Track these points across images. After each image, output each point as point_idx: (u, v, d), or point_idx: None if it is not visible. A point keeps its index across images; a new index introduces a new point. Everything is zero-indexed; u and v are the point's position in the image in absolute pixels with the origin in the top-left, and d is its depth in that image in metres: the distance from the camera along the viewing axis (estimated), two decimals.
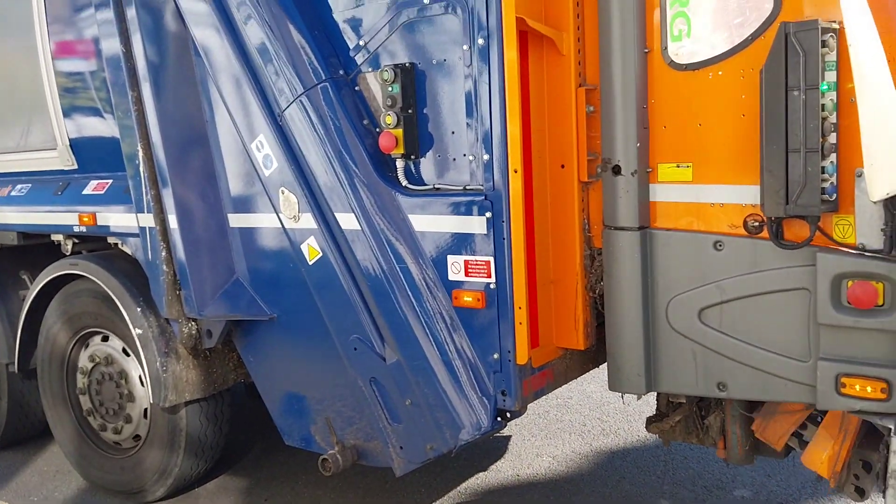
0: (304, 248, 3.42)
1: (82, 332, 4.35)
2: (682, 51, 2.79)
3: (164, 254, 3.76)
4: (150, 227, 3.80)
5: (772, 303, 2.72)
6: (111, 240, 4.21)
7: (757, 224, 2.71)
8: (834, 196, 2.53)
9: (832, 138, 2.49)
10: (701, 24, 2.74)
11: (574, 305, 3.06)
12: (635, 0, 2.80)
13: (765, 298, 2.73)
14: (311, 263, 3.41)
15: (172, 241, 3.73)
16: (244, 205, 3.69)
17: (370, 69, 3.24)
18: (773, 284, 2.70)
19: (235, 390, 4.36)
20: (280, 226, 3.49)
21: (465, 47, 2.94)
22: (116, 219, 4.06)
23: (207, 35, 3.53)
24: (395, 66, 3.10)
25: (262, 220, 3.64)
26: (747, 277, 2.75)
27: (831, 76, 2.47)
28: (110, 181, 4.16)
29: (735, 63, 2.69)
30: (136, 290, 3.98)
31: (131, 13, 3.67)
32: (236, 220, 3.75)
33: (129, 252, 4.08)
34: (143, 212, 3.81)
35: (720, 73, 2.72)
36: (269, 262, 3.65)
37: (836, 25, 2.45)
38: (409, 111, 3.13)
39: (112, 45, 3.78)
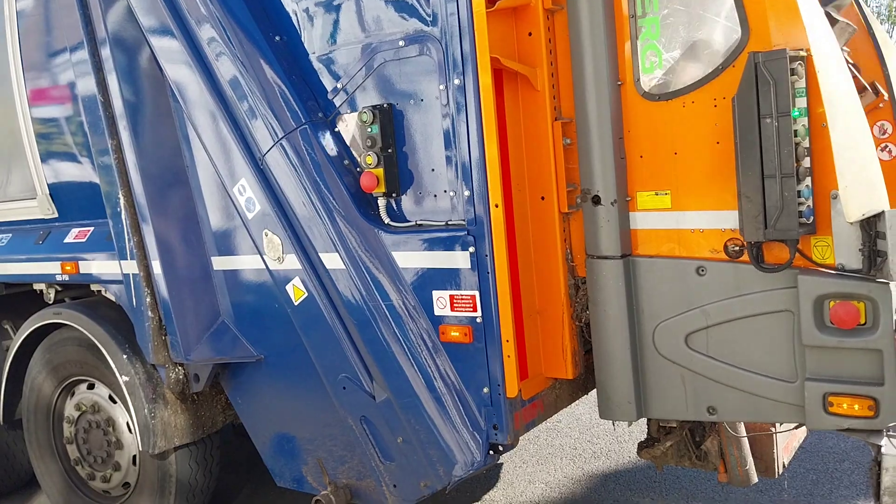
0: (289, 288, 3.42)
1: (68, 381, 4.30)
2: (655, 82, 2.84)
3: (148, 299, 3.74)
4: (133, 274, 3.78)
5: (757, 325, 2.75)
6: (94, 287, 4.18)
7: (737, 248, 2.75)
8: (811, 218, 2.57)
9: (806, 162, 2.55)
10: (671, 55, 2.80)
11: (561, 335, 3.08)
12: (606, 34, 2.86)
13: (749, 321, 2.76)
14: (296, 304, 3.40)
15: (157, 287, 3.71)
16: (227, 247, 3.69)
17: (349, 110, 3.27)
18: (757, 307, 2.74)
19: (224, 431, 4.32)
20: (264, 267, 3.49)
21: (441, 87, 2.97)
22: (99, 266, 4.04)
23: (183, 77, 3.53)
24: (374, 107, 3.13)
25: (246, 262, 3.63)
26: (731, 301, 2.78)
27: (801, 102, 2.53)
28: (91, 228, 4.13)
29: (707, 92, 2.74)
30: (121, 336, 3.95)
31: (106, 53, 3.68)
32: (220, 263, 3.74)
33: (112, 299, 4.05)
34: (126, 258, 3.79)
35: (693, 102, 2.77)
36: (255, 304, 3.64)
37: (803, 53, 2.51)
38: (389, 150, 3.15)
39: (88, 86, 3.77)
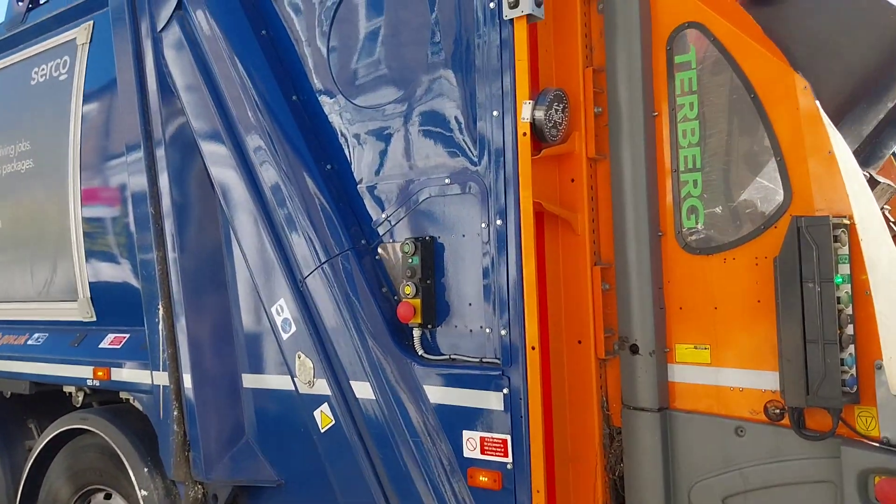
0: (317, 414, 3.39)
1: (85, 489, 4.25)
2: (696, 235, 2.86)
3: (175, 413, 3.73)
4: (164, 386, 3.79)
5: (797, 494, 2.63)
6: (123, 394, 4.19)
7: (778, 411, 2.67)
8: (854, 388, 2.50)
9: (849, 329, 2.50)
10: (713, 211, 2.83)
11: (593, 487, 2.97)
12: (647, 185, 2.91)
13: (790, 489, 2.64)
14: (322, 431, 3.36)
15: (186, 401, 3.71)
16: (259, 365, 3.70)
17: (391, 240, 3.34)
18: (798, 475, 2.63)
19: None
20: (294, 389, 3.47)
21: (483, 224, 3.03)
22: (131, 374, 4.06)
23: (230, 184, 3.64)
24: (416, 238, 3.19)
25: (275, 382, 3.63)
26: (771, 466, 2.68)
27: (844, 269, 2.52)
28: (127, 335, 4.19)
29: (748, 250, 2.75)
30: (144, 449, 3.92)
31: (160, 153, 3.82)
32: (250, 381, 3.74)
33: (140, 408, 4.05)
34: (159, 369, 3.82)
35: (734, 258, 2.78)
36: (281, 426, 3.61)
37: (846, 220, 2.52)
38: (428, 282, 3.18)
39: (139, 184, 3.90)
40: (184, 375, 3.71)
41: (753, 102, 2.74)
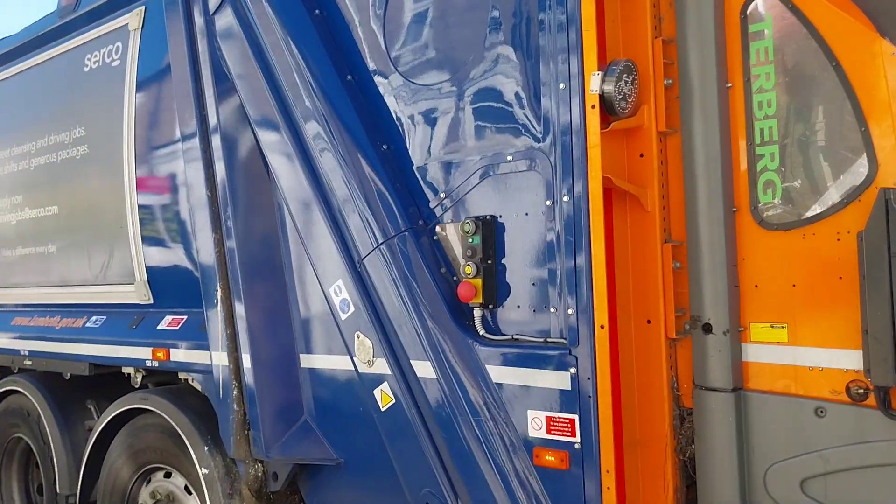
0: (377, 393, 3.37)
1: (145, 468, 4.30)
2: (773, 211, 2.76)
3: (235, 393, 3.74)
4: (223, 366, 3.80)
5: (882, 477, 2.54)
6: (182, 375, 4.23)
7: (861, 391, 2.57)
8: None
9: None
10: (791, 185, 2.72)
11: (663, 469, 2.90)
12: (721, 160, 2.81)
13: (874, 472, 2.55)
14: (383, 410, 3.34)
15: (244, 381, 3.72)
16: (317, 346, 3.69)
17: (450, 219, 3.28)
18: (883, 457, 2.53)
19: None
20: (353, 369, 3.46)
21: (548, 202, 2.96)
22: (189, 355, 4.08)
23: (286, 170, 3.63)
24: (477, 217, 3.13)
25: (334, 362, 3.61)
26: (853, 448, 2.58)
27: None
28: (185, 317, 4.21)
29: (829, 225, 2.64)
30: (204, 428, 3.95)
31: (216, 141, 3.81)
32: (308, 361, 3.73)
33: (199, 388, 4.08)
34: (218, 350, 3.83)
35: (814, 234, 2.67)
36: (340, 406, 3.60)
37: None
38: (489, 262, 3.13)
39: (196, 172, 3.90)
40: (243, 356, 3.72)
41: (835, 71, 2.62)
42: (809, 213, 2.68)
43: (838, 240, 2.61)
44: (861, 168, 2.58)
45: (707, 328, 2.80)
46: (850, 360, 2.59)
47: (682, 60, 2.88)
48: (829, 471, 2.62)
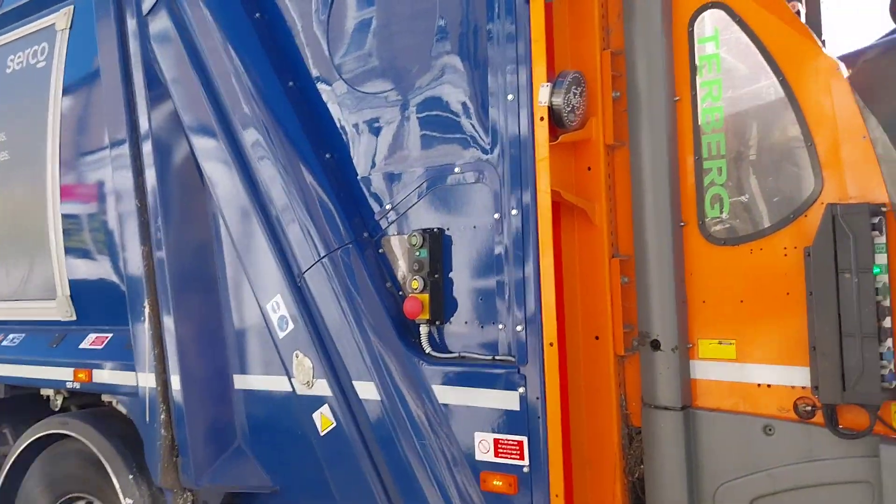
0: (316, 416, 3.21)
1: (64, 498, 4.01)
2: (720, 225, 2.73)
3: (163, 416, 3.52)
4: (150, 387, 3.58)
5: (831, 496, 2.51)
6: (106, 397, 3.97)
7: (809, 409, 2.55)
8: (894, 383, 2.38)
9: (887, 322, 2.39)
10: (738, 199, 2.70)
11: (612, 491, 2.83)
12: (669, 174, 2.78)
13: (823, 490, 2.52)
14: (322, 434, 3.18)
15: (173, 403, 3.51)
16: (253, 365, 3.51)
17: (396, 232, 3.17)
18: (832, 476, 2.51)
19: None
20: (291, 390, 3.29)
21: (496, 215, 2.88)
22: (114, 376, 3.84)
23: (222, 179, 3.46)
24: (424, 230, 3.03)
25: (271, 383, 3.44)
26: (802, 466, 2.55)
27: (881, 259, 2.40)
28: (110, 335, 3.97)
29: (776, 240, 2.62)
30: (129, 454, 3.71)
31: (147, 148, 3.63)
32: (242, 382, 3.55)
33: (124, 412, 3.83)
34: (145, 370, 3.61)
35: (761, 249, 2.65)
36: (276, 430, 3.42)
37: (884, 208, 2.41)
38: (436, 276, 3.02)
39: (125, 180, 3.70)
40: (171, 376, 3.51)
41: (782, 85, 2.62)
42: (756, 228, 2.66)
43: (785, 255, 2.60)
44: (807, 183, 2.58)
45: (655, 344, 2.75)
46: (798, 377, 2.57)
47: (630, 73, 2.85)
48: (779, 490, 2.58)
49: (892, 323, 2.39)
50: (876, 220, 2.38)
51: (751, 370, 2.67)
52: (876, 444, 2.42)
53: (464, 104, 3.01)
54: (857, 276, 2.38)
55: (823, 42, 4.10)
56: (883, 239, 2.40)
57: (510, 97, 2.81)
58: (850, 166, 2.50)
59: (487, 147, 2.92)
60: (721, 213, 2.73)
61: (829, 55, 2.56)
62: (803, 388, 2.56)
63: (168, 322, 3.54)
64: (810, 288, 2.48)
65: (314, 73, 3.41)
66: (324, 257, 3.17)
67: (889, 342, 2.39)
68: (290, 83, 3.43)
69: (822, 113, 2.54)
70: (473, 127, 2.97)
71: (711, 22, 2.75)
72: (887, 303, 2.39)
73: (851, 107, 2.50)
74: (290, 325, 3.26)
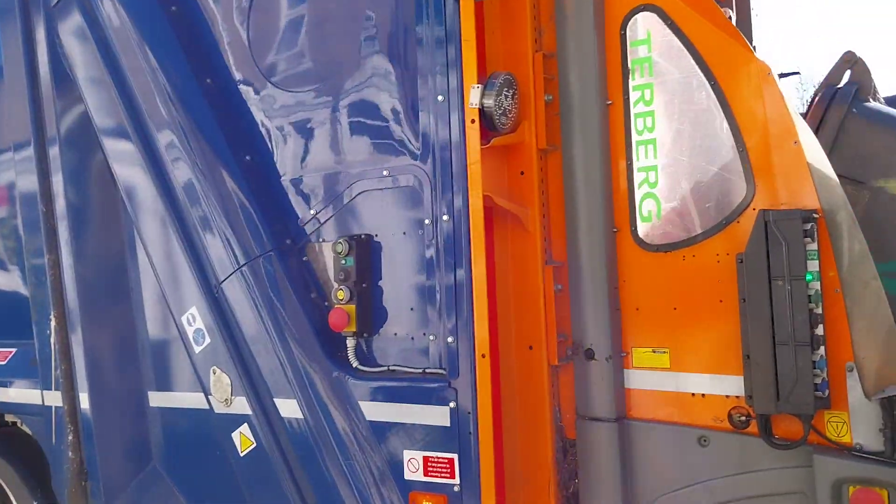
0: (235, 436, 3.02)
1: None
2: (653, 232, 2.67)
3: (70, 437, 3.28)
4: (56, 407, 3.33)
5: None
6: (9, 417, 3.69)
7: (743, 418, 2.50)
8: (826, 392, 2.36)
9: (819, 330, 2.36)
10: (670, 205, 2.65)
11: None
12: (602, 179, 2.71)
13: (759, 502, 2.48)
14: (242, 454, 3.00)
15: (82, 423, 3.27)
16: (168, 382, 3.30)
17: (321, 239, 3.01)
18: (767, 487, 2.47)
19: None
20: (209, 408, 3.09)
21: (427, 221, 2.75)
22: (18, 394, 3.59)
23: (136, 183, 3.26)
24: (350, 237, 2.88)
25: (187, 401, 3.23)
26: (738, 478, 2.51)
27: (813, 265, 2.37)
28: (13, 350, 3.70)
29: (709, 247, 2.58)
30: (33, 479, 3.46)
31: (54, 152, 3.40)
32: (157, 399, 3.33)
33: (28, 433, 3.56)
34: (51, 388, 3.35)
35: (693, 256, 2.61)
36: (193, 450, 3.22)
37: (815, 215, 2.38)
38: (364, 285, 2.88)
39: (29, 185, 3.46)
40: (80, 395, 3.27)
41: (713, 90, 2.58)
42: (689, 235, 2.61)
43: (718, 262, 2.55)
44: (739, 189, 2.54)
45: (589, 354, 2.67)
46: (732, 386, 2.53)
47: (563, 76, 2.77)
48: (716, 502, 2.53)
49: (824, 331, 2.37)
50: (808, 226, 2.35)
51: (685, 379, 2.62)
52: (809, 454, 2.38)
53: (393, 107, 2.88)
54: (790, 283, 2.34)
55: (754, 48, 4.12)
56: (815, 245, 2.37)
57: (440, 98, 2.69)
58: (781, 172, 2.47)
59: (417, 150, 2.79)
60: (654, 218, 2.67)
61: (760, 60, 2.52)
62: (737, 397, 2.52)
63: (75, 337, 3.30)
64: (743, 295, 2.44)
65: (234, 69, 3.22)
66: (243, 266, 2.99)
67: (822, 350, 2.36)
68: (208, 80, 3.23)
69: (754, 118, 2.51)
70: (403, 130, 2.84)
71: (644, 25, 2.69)
72: (819, 310, 2.36)
73: (783, 111, 2.47)
74: (207, 339, 3.06)
